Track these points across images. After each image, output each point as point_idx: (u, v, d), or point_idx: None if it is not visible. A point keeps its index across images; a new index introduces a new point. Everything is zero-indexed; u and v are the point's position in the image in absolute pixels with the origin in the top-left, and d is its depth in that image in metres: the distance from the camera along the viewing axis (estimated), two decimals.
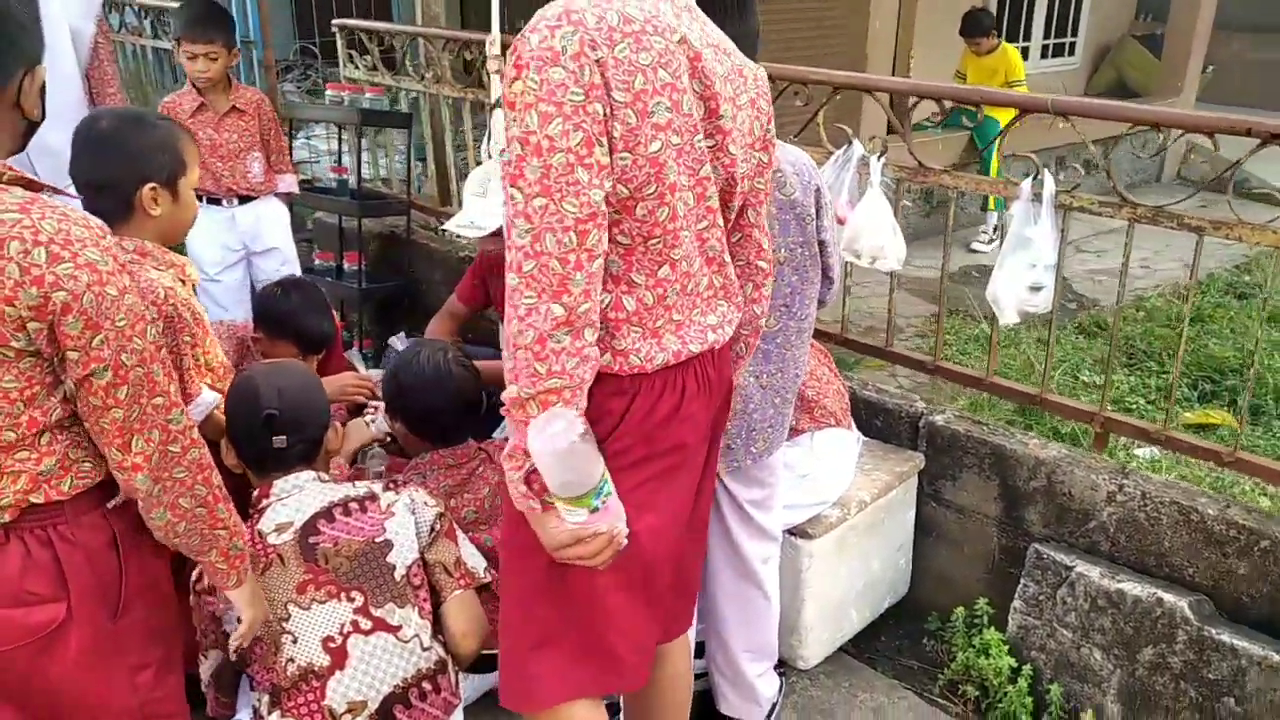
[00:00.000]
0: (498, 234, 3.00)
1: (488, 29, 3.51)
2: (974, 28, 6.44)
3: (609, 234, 1.47)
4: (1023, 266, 2.55)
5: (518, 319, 1.40)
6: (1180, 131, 2.41)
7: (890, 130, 2.90)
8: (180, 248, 3.16)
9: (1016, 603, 2.66)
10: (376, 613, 2.04)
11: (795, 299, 2.14)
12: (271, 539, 2.05)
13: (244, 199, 3.86)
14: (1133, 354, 4.81)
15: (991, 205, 6.47)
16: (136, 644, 1.73)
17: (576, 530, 1.49)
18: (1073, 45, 9.24)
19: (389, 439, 2.80)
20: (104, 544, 1.66)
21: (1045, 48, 8.79)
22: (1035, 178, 2.52)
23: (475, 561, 2.21)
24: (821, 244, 2.16)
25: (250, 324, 3.12)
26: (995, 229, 6.41)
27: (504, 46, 3.63)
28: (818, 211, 2.12)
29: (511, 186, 1.40)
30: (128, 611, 1.69)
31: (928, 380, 3.50)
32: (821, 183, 2.14)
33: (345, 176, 4.29)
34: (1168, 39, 7.74)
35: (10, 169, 1.54)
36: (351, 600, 2.03)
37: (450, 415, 2.58)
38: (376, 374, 3.29)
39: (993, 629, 2.67)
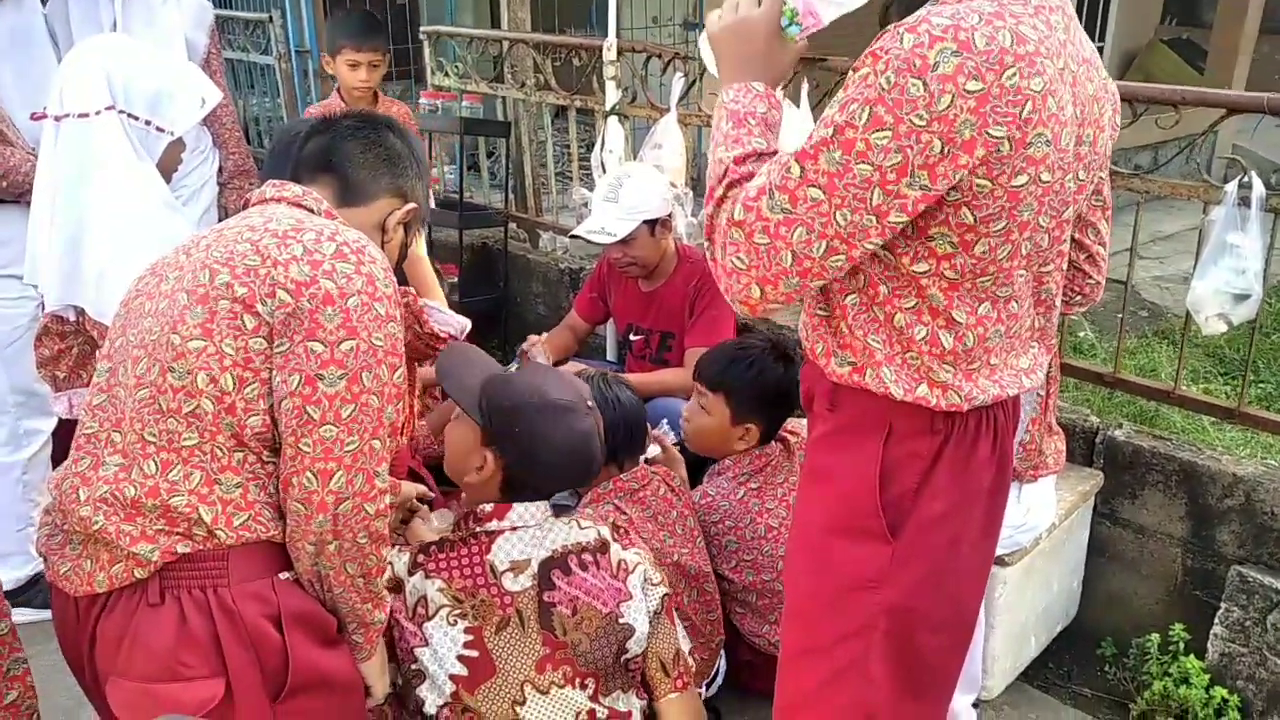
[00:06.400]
0: (625, 241, 2.90)
1: (560, 32, 3.37)
2: None
3: (935, 266, 1.34)
4: (1227, 273, 2.42)
5: (727, 263, 1.33)
6: None
7: None
8: None
9: (1217, 629, 2.51)
10: (606, 700, 1.83)
11: None
12: (508, 582, 1.77)
13: None
14: (1224, 361, 4.69)
15: None
16: None
17: None
18: (1101, 49, 9.21)
19: None
20: (267, 621, 1.45)
21: None
22: (1242, 180, 2.39)
23: (686, 647, 2.02)
24: None
25: None
26: None
27: (619, 51, 3.48)
28: None
29: (796, 160, 1.25)
30: (292, 698, 1.47)
31: None
32: None
33: (436, 187, 4.09)
34: (1213, 44, 7.67)
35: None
36: (585, 688, 1.80)
37: (630, 434, 2.44)
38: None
39: (1191, 656, 2.52)
